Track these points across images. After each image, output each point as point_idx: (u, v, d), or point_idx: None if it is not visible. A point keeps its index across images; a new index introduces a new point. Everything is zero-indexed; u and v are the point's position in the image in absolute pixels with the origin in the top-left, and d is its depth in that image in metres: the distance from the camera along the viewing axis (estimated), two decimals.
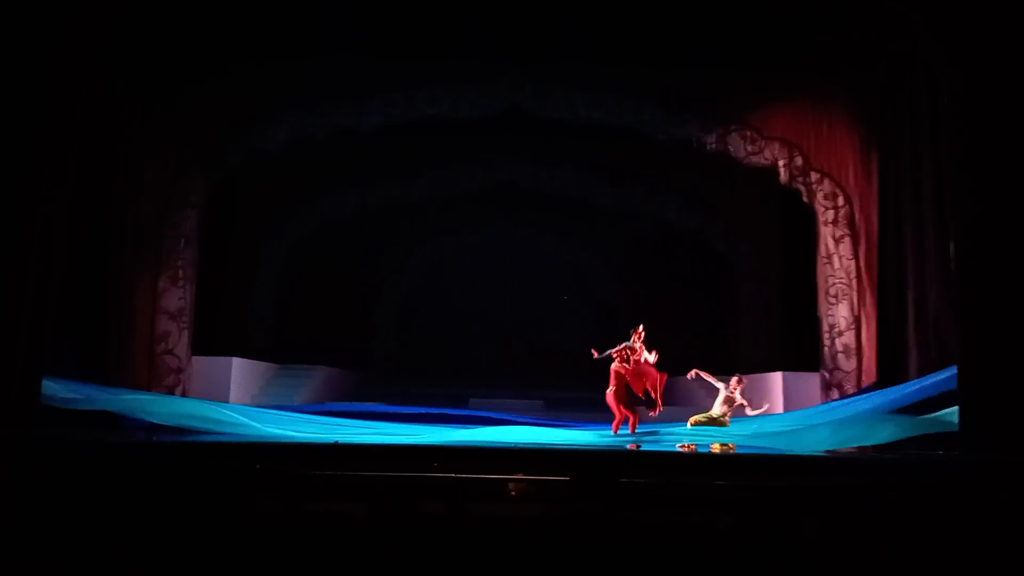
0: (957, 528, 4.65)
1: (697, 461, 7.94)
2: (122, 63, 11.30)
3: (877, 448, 9.22)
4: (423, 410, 12.29)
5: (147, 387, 11.80)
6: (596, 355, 10.15)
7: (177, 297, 12.53)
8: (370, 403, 13.22)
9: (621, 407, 10.21)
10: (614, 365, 10.13)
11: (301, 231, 15.61)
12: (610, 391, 10.23)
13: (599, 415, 11.41)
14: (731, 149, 13.32)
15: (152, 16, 11.17)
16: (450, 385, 15.16)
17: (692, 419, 10.63)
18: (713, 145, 13.37)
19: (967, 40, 8.85)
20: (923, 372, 11.22)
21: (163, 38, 11.77)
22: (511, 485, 6.08)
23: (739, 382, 10.54)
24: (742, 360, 14.73)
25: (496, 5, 11.41)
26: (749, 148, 13.30)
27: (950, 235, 9.76)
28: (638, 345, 10.18)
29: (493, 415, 12.25)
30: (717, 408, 10.54)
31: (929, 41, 9.59)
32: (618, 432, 10.19)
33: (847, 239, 12.93)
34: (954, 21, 8.93)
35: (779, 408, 12.99)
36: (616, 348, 10.11)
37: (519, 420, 11.59)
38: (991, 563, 4.14)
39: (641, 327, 10.29)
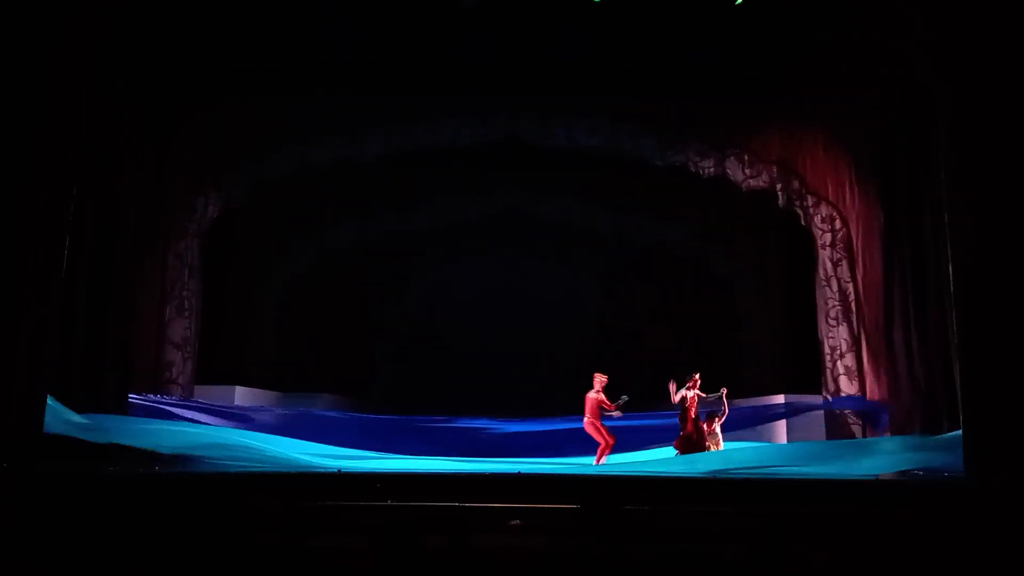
0: (965, 553, 4.63)
1: (703, 487, 7.91)
2: (127, 91, 11.40)
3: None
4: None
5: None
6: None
7: (183, 327, 12.61)
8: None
9: (604, 433, 10.33)
10: (592, 393, 10.30)
11: (303, 261, 15.64)
12: (589, 420, 10.34)
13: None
14: (729, 173, 13.43)
15: (155, 46, 11.29)
16: (451, 414, 15.10)
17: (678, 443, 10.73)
18: (711, 170, 13.47)
19: (962, 67, 8.92)
20: (930, 392, 11.29)
21: (167, 69, 11.90)
22: (516, 515, 6.06)
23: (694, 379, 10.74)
24: (744, 383, 14.69)
25: (494, 37, 11.52)
26: (747, 172, 13.40)
27: (948, 256, 9.79)
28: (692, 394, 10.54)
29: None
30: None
31: (925, 70, 9.66)
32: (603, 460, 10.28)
33: (845, 262, 12.98)
34: (948, 51, 9.01)
35: (781, 431, 13.05)
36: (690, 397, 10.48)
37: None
38: None
39: (697, 375, 10.64)
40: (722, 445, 10.71)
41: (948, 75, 9.12)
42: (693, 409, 10.50)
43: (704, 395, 10.61)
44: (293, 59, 11.82)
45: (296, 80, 12.34)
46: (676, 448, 10.56)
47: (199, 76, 12.14)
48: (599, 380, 10.52)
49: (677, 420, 10.64)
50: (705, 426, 10.68)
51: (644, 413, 11.97)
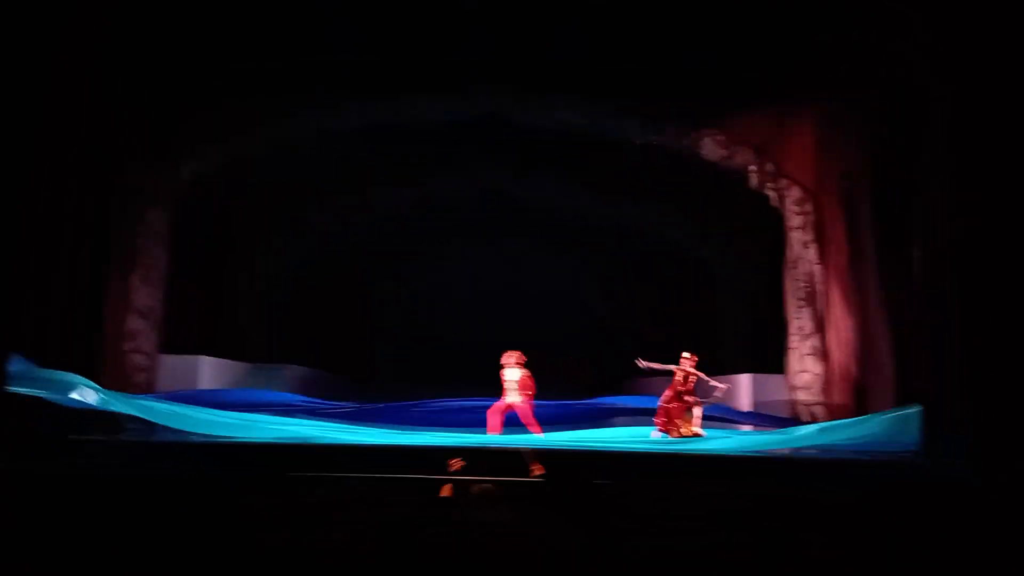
0: (946, 532, 4.72)
1: (675, 463, 8.02)
2: (126, 91, 11.21)
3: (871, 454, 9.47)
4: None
5: (117, 387, 11.63)
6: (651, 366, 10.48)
7: (147, 295, 12.40)
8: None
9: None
10: (509, 375, 10.31)
11: (280, 235, 15.50)
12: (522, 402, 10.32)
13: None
14: (704, 153, 13.49)
15: (156, 46, 11.16)
16: (423, 387, 15.13)
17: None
18: (687, 149, 13.52)
19: (960, 67, 8.96)
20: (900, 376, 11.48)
21: (167, 69, 11.72)
22: (482, 487, 6.10)
23: (690, 357, 10.58)
24: (723, 364, 14.87)
25: (475, 13, 11.42)
26: (722, 153, 13.47)
27: (911, 242, 9.96)
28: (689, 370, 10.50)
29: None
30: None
31: (923, 71, 9.66)
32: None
33: (814, 244, 13.13)
34: (946, 52, 9.05)
35: (744, 401, 13.26)
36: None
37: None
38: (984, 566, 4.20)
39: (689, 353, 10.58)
40: (696, 425, 10.62)
41: (946, 75, 9.15)
42: (687, 387, 10.43)
43: (706, 378, 10.53)
44: (289, 60, 11.71)
45: (292, 80, 12.22)
46: (658, 426, 10.47)
47: (199, 76, 11.95)
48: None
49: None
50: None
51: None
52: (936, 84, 9.25)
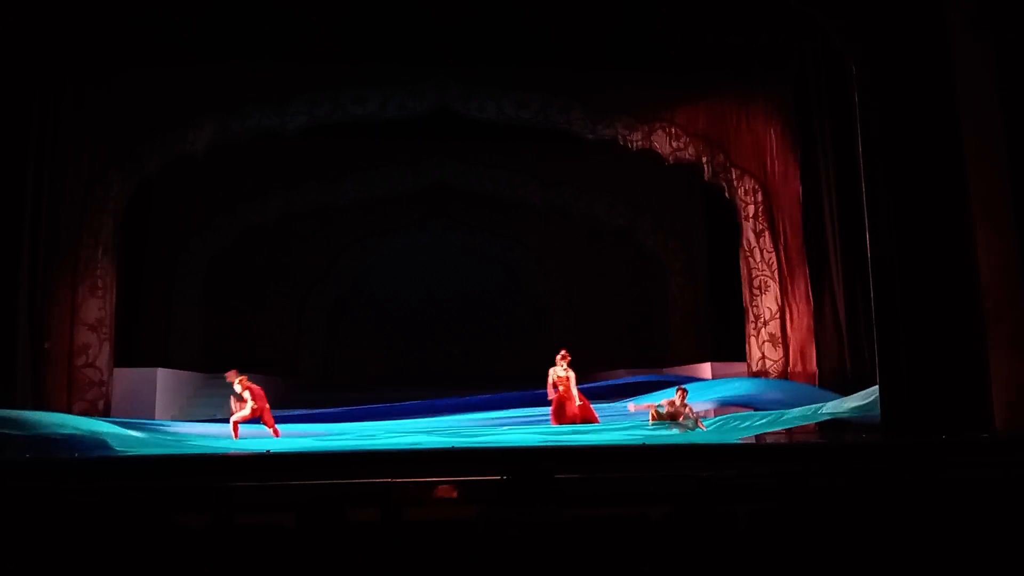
0: (882, 509, 4.80)
1: (627, 454, 8.06)
2: (32, 62, 10.85)
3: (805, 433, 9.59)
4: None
5: (66, 402, 11.37)
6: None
7: (97, 308, 12.10)
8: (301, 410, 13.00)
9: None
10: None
11: (227, 237, 15.19)
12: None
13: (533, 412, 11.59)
14: (656, 146, 13.57)
15: (64, 11, 10.76)
16: (384, 389, 15.04)
17: (652, 412, 10.78)
18: (639, 143, 13.59)
19: (877, 40, 9.21)
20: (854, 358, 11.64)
21: (76, 36, 11.32)
22: (444, 487, 6.07)
23: (682, 394, 10.65)
24: (672, 353, 15.01)
25: (421, 6, 11.34)
26: (673, 145, 13.56)
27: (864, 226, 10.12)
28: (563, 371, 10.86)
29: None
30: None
31: (841, 42, 9.88)
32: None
33: (767, 232, 13.31)
34: (865, 25, 9.28)
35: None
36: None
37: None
38: (917, 541, 4.28)
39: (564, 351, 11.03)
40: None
41: (864, 52, 9.39)
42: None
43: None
44: (213, 26, 11.40)
45: (217, 48, 11.89)
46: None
47: (111, 40, 11.57)
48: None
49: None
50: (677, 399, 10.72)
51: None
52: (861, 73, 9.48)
